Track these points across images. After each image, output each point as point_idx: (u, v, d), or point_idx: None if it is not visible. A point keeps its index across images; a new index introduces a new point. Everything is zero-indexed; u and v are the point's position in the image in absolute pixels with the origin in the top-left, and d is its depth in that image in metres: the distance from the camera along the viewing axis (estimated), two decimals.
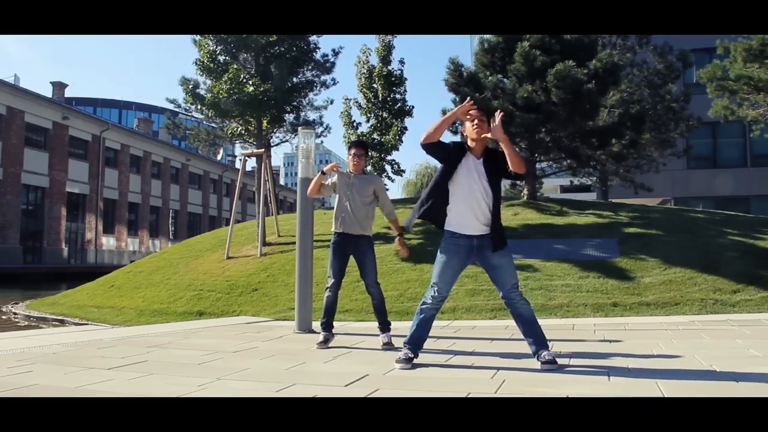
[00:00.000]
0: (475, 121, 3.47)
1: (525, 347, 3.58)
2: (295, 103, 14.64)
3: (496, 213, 3.48)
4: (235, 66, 13.16)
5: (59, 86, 34.22)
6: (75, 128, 30.49)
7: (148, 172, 37.41)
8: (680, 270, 7.54)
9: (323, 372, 3.54)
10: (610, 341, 4.58)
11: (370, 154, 14.36)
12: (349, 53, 15.28)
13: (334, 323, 4.77)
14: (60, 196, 29.50)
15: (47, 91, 32.76)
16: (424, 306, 3.59)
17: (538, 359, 3.40)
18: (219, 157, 44.95)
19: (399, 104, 14.86)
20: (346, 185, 4.62)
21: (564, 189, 37.02)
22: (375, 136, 14.51)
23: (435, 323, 3.75)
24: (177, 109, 15.11)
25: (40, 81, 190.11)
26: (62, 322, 8.92)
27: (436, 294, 3.52)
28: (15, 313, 10.37)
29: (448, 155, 3.50)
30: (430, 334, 3.71)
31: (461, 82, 11.97)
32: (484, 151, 3.52)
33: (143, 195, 36.83)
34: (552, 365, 3.33)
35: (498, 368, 3.41)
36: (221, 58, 13.45)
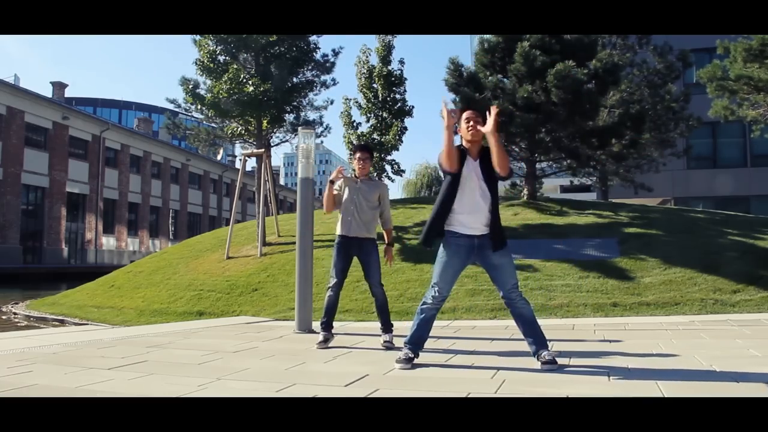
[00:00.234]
0: (471, 123, 3.47)
1: (525, 347, 3.58)
2: (295, 103, 14.62)
3: (495, 212, 3.48)
4: (235, 66, 13.15)
5: (59, 86, 34.22)
6: (75, 128, 30.50)
7: (148, 172, 37.42)
8: (680, 270, 7.54)
9: (323, 372, 3.54)
10: (610, 341, 4.58)
11: None
12: (349, 53, 15.27)
13: (334, 323, 4.77)
14: (60, 196, 29.51)
15: (47, 91, 32.83)
16: (424, 306, 3.59)
17: (538, 359, 3.40)
18: (219, 157, 44.95)
19: (399, 104, 14.84)
20: (353, 189, 4.63)
21: (564, 189, 37.02)
22: (375, 136, 14.49)
23: (435, 323, 3.75)
24: (177, 109, 15.09)
25: (40, 81, 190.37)
26: (62, 322, 8.92)
27: (437, 294, 3.52)
28: (15, 313, 10.37)
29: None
30: (430, 334, 3.71)
31: (461, 82, 11.97)
32: (480, 152, 3.52)
33: (143, 195, 36.83)
34: (552, 365, 3.33)
35: (498, 368, 3.41)
36: (221, 58, 13.42)
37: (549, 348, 3.48)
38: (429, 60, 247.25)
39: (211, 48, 13.27)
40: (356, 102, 14.96)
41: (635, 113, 11.89)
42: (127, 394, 2.84)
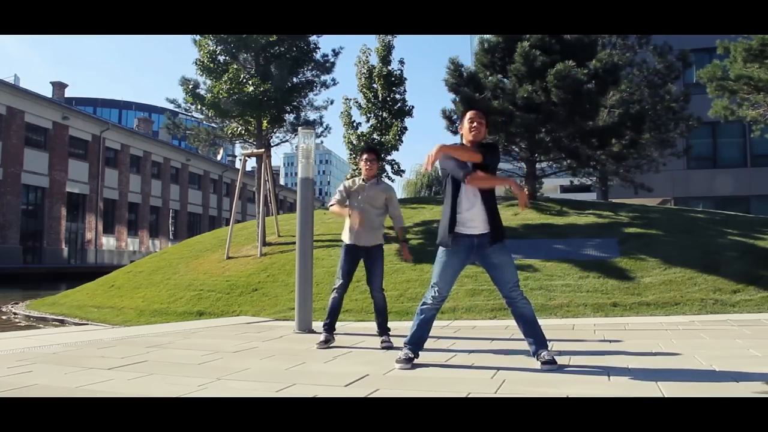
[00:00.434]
0: (474, 123, 3.46)
1: (525, 347, 3.58)
2: (295, 103, 14.62)
3: (494, 209, 3.49)
4: (235, 66, 13.15)
5: (59, 86, 34.22)
6: (75, 128, 30.50)
7: (148, 172, 37.42)
8: (680, 270, 7.54)
9: (323, 372, 3.54)
10: (610, 341, 4.58)
11: None
12: (349, 53, 15.28)
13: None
14: (60, 196, 29.51)
15: (47, 91, 32.83)
16: (424, 306, 3.59)
17: (537, 359, 3.40)
18: (219, 157, 44.95)
19: (399, 104, 14.85)
20: (360, 197, 4.63)
21: (564, 189, 37.04)
22: (375, 136, 14.50)
23: (435, 323, 3.75)
24: (177, 109, 15.09)
25: (40, 81, 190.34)
26: (62, 322, 8.92)
27: (437, 294, 3.52)
28: (15, 313, 10.36)
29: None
30: (430, 334, 3.71)
31: (461, 82, 11.97)
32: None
33: (143, 195, 36.83)
34: (552, 365, 3.33)
35: (498, 368, 3.41)
36: (221, 58, 13.42)
37: (549, 348, 3.48)
38: (429, 60, 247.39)
39: (211, 48, 13.27)
40: (356, 102, 14.97)
41: (635, 113, 11.90)
42: (127, 394, 2.84)
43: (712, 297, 6.78)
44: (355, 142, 14.53)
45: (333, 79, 15.43)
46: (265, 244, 10.84)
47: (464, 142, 3.53)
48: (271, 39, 13.44)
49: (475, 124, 3.47)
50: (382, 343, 4.47)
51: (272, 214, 12.54)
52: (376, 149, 5.00)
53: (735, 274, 7.25)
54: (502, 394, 2.79)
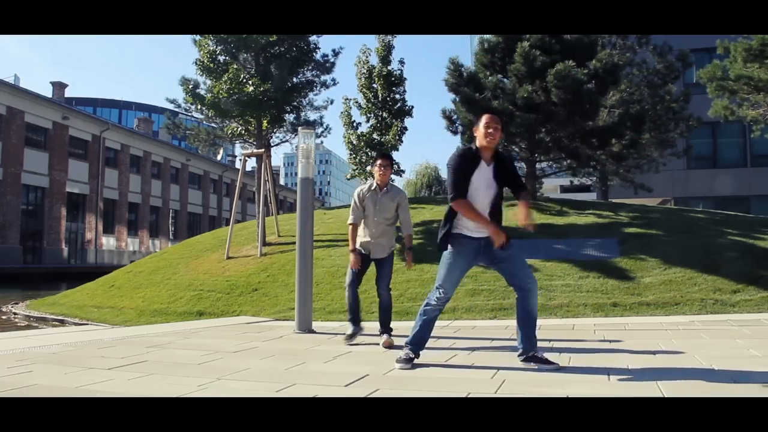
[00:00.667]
0: (490, 129, 3.41)
1: None
2: (295, 103, 14.63)
3: (500, 215, 3.50)
4: (235, 66, 13.15)
5: (59, 86, 34.22)
6: (75, 128, 30.50)
7: (148, 172, 37.42)
8: (680, 270, 7.54)
9: (323, 372, 3.54)
10: (610, 341, 4.58)
11: (369, 154, 14.39)
12: (349, 53, 15.29)
13: (334, 323, 4.80)
14: (60, 196, 29.51)
15: (47, 91, 32.82)
16: (428, 307, 3.58)
17: (526, 358, 3.42)
18: (219, 157, 44.95)
19: (399, 104, 14.85)
20: (374, 203, 4.69)
21: (564, 189, 37.04)
22: (375, 136, 14.50)
23: (435, 323, 3.75)
24: (177, 109, 15.10)
25: (40, 81, 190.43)
26: (62, 322, 8.92)
27: (442, 295, 3.51)
28: (15, 313, 10.36)
29: (464, 176, 3.42)
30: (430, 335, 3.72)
31: (461, 82, 11.97)
32: (493, 157, 3.48)
33: (143, 195, 36.83)
34: (540, 364, 3.37)
35: (498, 368, 3.41)
36: (221, 58, 13.43)
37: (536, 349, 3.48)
38: (429, 60, 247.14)
39: (211, 48, 13.27)
40: (356, 102, 14.96)
41: (635, 113, 11.89)
42: (127, 394, 2.84)
43: (712, 297, 6.78)
44: (355, 142, 14.53)
45: (333, 79, 15.46)
46: (265, 244, 10.84)
47: (478, 145, 3.47)
48: (271, 39, 13.44)
49: (491, 129, 3.41)
50: (383, 343, 4.48)
51: (272, 214, 12.54)
52: (390, 155, 5.05)
53: (735, 274, 7.25)
54: (502, 394, 2.79)
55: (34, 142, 28.03)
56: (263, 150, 12.48)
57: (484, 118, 3.46)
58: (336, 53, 15.23)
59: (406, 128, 14.85)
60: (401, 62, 15.07)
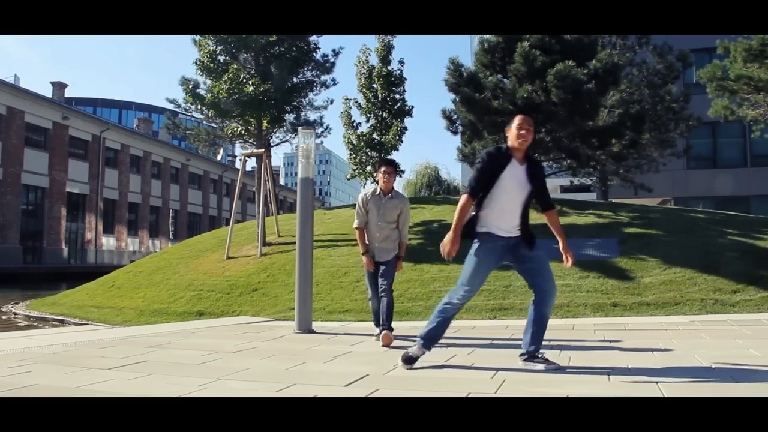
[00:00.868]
0: (522, 131, 3.39)
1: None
2: (295, 103, 14.62)
3: (527, 216, 3.50)
4: (235, 66, 13.15)
5: (59, 86, 34.22)
6: (75, 128, 30.51)
7: (148, 172, 37.42)
8: (680, 270, 7.54)
9: (323, 372, 3.54)
10: (610, 341, 4.58)
11: (369, 154, 14.40)
12: (349, 53, 15.29)
13: (334, 323, 4.82)
14: (60, 196, 29.51)
15: (47, 91, 32.83)
16: (448, 306, 3.52)
17: (528, 358, 3.42)
18: (219, 157, 44.95)
19: (399, 104, 14.86)
20: (377, 208, 4.77)
21: (564, 189, 37.01)
22: (375, 136, 14.51)
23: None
24: (177, 109, 15.09)
25: (40, 81, 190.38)
26: (62, 322, 8.92)
27: (466, 294, 3.46)
28: (15, 313, 10.37)
29: (493, 174, 3.39)
30: None
31: (461, 82, 11.96)
32: (525, 158, 3.47)
33: (143, 195, 36.84)
34: (544, 364, 3.36)
35: (498, 368, 3.41)
36: (221, 58, 13.43)
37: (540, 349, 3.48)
38: (429, 60, 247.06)
39: (211, 48, 13.27)
40: (356, 102, 14.97)
41: (635, 113, 11.89)
42: (127, 394, 2.84)
43: (712, 297, 6.78)
44: (355, 142, 14.53)
45: (333, 79, 15.45)
46: (265, 244, 10.84)
47: (510, 145, 3.46)
48: (271, 39, 13.44)
49: (523, 131, 3.40)
50: (383, 338, 4.51)
51: (272, 214, 12.54)
52: (394, 162, 5.11)
53: (735, 274, 7.25)
54: (502, 394, 2.79)
55: (34, 142, 28.03)
56: (263, 150, 12.48)
57: (518, 119, 3.44)
58: (336, 53, 15.22)
59: (406, 128, 14.86)
60: (401, 62, 15.08)
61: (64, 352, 4.29)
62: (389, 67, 14.74)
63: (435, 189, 43.84)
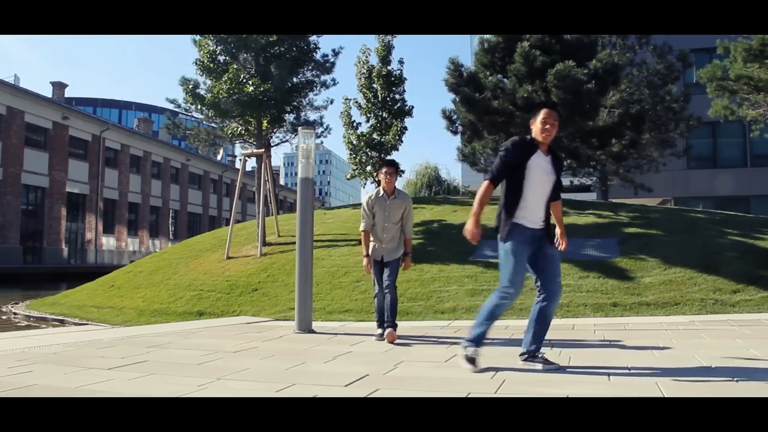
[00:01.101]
0: (547, 125, 3.38)
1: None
2: (295, 103, 14.63)
3: (549, 209, 3.51)
4: (235, 66, 13.15)
5: (59, 86, 34.22)
6: (75, 128, 30.51)
7: (148, 172, 37.42)
8: (680, 270, 7.53)
9: (323, 372, 3.54)
10: (610, 341, 4.58)
11: (369, 154, 14.40)
12: (349, 53, 15.29)
13: (334, 323, 4.83)
14: (60, 196, 29.51)
15: (47, 91, 32.83)
16: (497, 310, 3.48)
17: (525, 355, 3.42)
18: (219, 157, 44.95)
19: (399, 104, 14.87)
20: (383, 209, 4.84)
21: (564, 189, 36.99)
22: (375, 136, 14.52)
23: (435, 323, 3.75)
24: (177, 109, 15.10)
25: (40, 81, 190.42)
26: (62, 322, 8.92)
27: (513, 292, 3.40)
28: (15, 313, 10.36)
29: (519, 163, 3.36)
30: (429, 335, 3.72)
31: (461, 82, 11.98)
32: (549, 150, 3.48)
33: (143, 195, 36.84)
34: (545, 364, 3.36)
35: (498, 368, 3.41)
36: (221, 58, 13.44)
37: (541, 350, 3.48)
38: (429, 60, 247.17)
39: (211, 48, 13.28)
40: (356, 102, 14.98)
41: (635, 113, 11.90)
42: (127, 394, 2.84)
43: (712, 297, 6.78)
44: (355, 142, 14.54)
45: (333, 79, 15.45)
46: (265, 244, 10.84)
47: (534, 137, 3.45)
48: (271, 39, 13.44)
49: (548, 125, 3.39)
50: (387, 336, 4.55)
51: (272, 214, 12.54)
52: (395, 162, 5.14)
53: (735, 274, 7.25)
54: (502, 394, 2.79)
55: (34, 142, 28.03)
56: (263, 150, 12.48)
57: (543, 113, 3.41)
58: (336, 53, 15.23)
59: (406, 128, 14.87)
60: (401, 62, 15.10)
61: (64, 352, 4.29)
62: (389, 67, 14.75)
63: (435, 189, 43.84)
